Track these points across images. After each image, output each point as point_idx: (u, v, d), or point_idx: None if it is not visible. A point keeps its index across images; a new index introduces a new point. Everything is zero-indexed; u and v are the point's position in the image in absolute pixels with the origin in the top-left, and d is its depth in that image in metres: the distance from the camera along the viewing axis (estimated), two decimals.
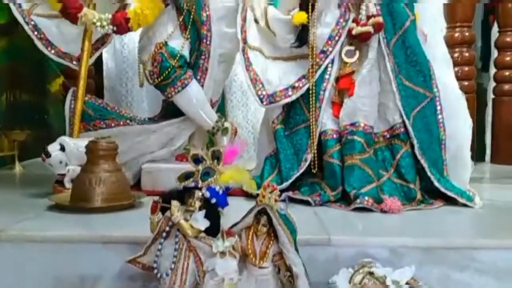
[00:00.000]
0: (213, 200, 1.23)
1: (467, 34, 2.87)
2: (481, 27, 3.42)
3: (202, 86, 1.98)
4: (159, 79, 1.91)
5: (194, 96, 1.96)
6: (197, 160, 1.31)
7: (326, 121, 1.89)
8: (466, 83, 2.83)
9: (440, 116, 1.88)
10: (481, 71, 3.46)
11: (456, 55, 2.79)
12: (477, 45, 3.38)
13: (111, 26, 1.86)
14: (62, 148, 1.81)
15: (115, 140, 1.72)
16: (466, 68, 2.88)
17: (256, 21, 2.02)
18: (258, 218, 1.21)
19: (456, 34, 2.86)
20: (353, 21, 1.88)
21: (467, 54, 2.87)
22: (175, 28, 1.95)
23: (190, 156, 1.29)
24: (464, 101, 1.90)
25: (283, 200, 1.15)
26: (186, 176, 1.29)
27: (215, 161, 1.30)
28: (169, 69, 1.90)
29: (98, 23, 1.86)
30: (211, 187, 1.24)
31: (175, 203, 1.20)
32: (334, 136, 1.85)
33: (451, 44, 2.85)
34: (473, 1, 2.87)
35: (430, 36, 1.97)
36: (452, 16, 2.88)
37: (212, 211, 1.22)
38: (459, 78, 2.04)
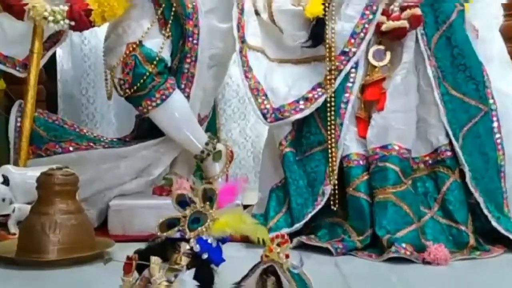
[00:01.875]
0: (205, 256, 1.22)
1: None
2: None
3: (188, 97, 2.01)
4: (132, 90, 1.93)
5: (177, 111, 1.98)
6: (183, 202, 1.30)
7: (349, 143, 1.90)
8: None
9: (497, 136, 1.90)
10: None
11: None
12: None
13: (67, 21, 1.87)
14: (6, 181, 1.81)
15: (74, 169, 1.73)
16: None
17: (257, 13, 2.05)
18: (264, 279, 1.20)
19: None
20: (382, 14, 1.91)
21: None
22: (152, 24, 1.97)
23: (174, 198, 1.29)
24: None
25: (295, 247, 1.13)
26: (170, 223, 1.28)
27: (207, 203, 1.29)
28: (145, 77, 1.92)
29: (51, 18, 1.86)
30: (201, 238, 1.23)
31: (155, 260, 1.19)
32: (361, 162, 1.87)
33: (509, 36, 2.83)
34: None
35: (483, 30, 2.00)
36: None
37: (204, 269, 1.21)
38: None
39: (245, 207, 2.06)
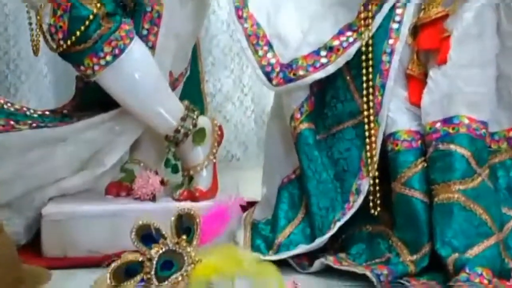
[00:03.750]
0: None
1: None
2: None
3: (152, 48, 1.96)
4: (68, 42, 1.86)
5: (136, 72, 1.92)
6: (147, 237, 1.26)
7: (396, 115, 1.85)
8: None
9: None
10: None
11: None
12: None
13: None
14: None
15: None
16: None
17: None
18: None
19: None
20: None
21: None
22: None
23: (133, 230, 1.25)
24: None
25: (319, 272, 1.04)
26: (128, 270, 1.24)
27: (184, 237, 1.26)
28: (87, 22, 1.85)
29: None
30: None
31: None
32: (413, 144, 1.83)
33: None
34: None
35: None
36: None
37: None
38: None
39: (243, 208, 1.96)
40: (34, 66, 2.59)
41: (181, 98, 2.15)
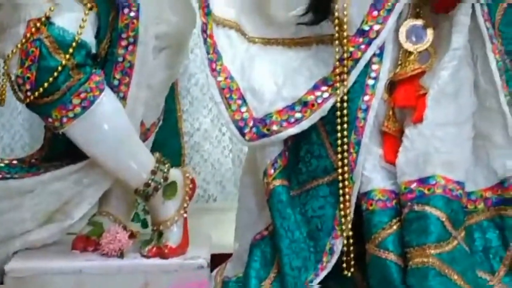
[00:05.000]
0: None
1: None
2: None
3: (123, 99, 1.93)
4: (36, 94, 1.82)
5: (106, 123, 1.88)
6: None
7: (371, 174, 1.83)
8: None
9: None
10: None
11: None
12: None
13: None
14: None
15: None
16: None
17: None
18: None
19: None
20: None
21: None
22: None
23: None
24: None
25: None
26: None
27: None
28: (56, 73, 1.81)
29: None
30: None
31: None
32: (388, 204, 1.81)
33: None
34: None
35: None
36: None
37: None
38: None
39: (215, 258, 1.99)
40: (8, 104, 2.51)
41: (158, 137, 2.13)
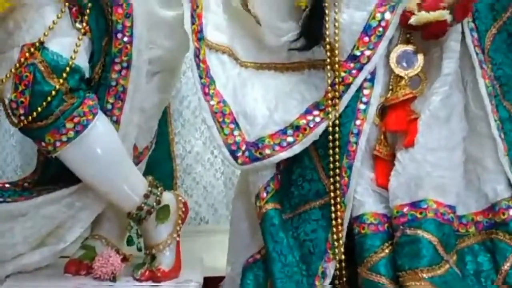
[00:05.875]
0: None
1: None
2: None
3: (116, 123, 1.92)
4: (30, 118, 1.80)
5: (99, 147, 1.87)
6: None
7: (362, 197, 1.84)
8: None
9: None
10: None
11: None
12: None
13: None
14: None
15: None
16: None
17: None
18: None
19: None
20: None
21: None
22: (60, 14, 1.86)
23: None
24: None
25: None
26: None
27: None
28: (50, 98, 1.80)
29: None
30: None
31: None
32: (380, 228, 1.81)
33: None
34: None
35: None
36: None
37: None
38: None
39: (208, 281, 1.99)
40: (0, 126, 2.54)
41: (150, 160, 2.12)
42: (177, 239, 1.94)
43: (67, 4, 1.86)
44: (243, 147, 1.86)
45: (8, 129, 2.43)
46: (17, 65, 1.81)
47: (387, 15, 1.83)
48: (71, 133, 1.82)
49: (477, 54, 1.82)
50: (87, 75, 1.88)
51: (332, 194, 1.84)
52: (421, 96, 1.83)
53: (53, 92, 1.80)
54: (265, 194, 1.89)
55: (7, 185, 2.01)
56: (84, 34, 1.88)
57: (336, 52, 1.84)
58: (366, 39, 1.83)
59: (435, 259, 1.73)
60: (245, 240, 1.96)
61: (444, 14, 1.76)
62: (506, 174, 1.82)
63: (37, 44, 1.82)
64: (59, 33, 1.84)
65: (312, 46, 1.87)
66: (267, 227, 1.86)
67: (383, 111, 1.86)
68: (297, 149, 1.86)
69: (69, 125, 1.82)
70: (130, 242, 2.04)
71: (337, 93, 1.84)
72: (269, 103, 1.90)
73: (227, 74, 1.92)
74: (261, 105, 1.90)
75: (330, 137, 1.84)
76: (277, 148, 1.86)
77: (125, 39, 1.88)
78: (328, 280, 1.82)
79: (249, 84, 1.92)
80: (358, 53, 1.84)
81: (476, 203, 1.86)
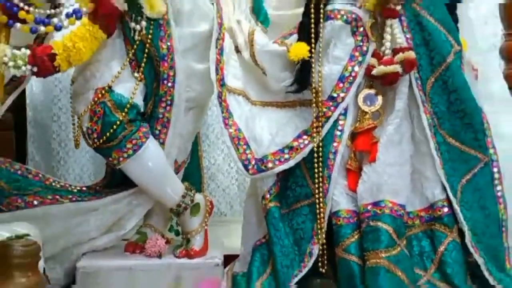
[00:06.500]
0: None
1: None
2: None
3: (163, 144, 1.91)
4: (101, 141, 1.83)
5: (150, 161, 1.87)
6: None
7: (338, 198, 1.84)
8: None
9: (498, 188, 1.84)
10: None
11: None
12: None
13: (29, 67, 1.71)
14: None
15: (38, 224, 1.65)
16: None
17: (238, 50, 1.97)
18: None
19: None
20: (373, 56, 1.84)
21: None
22: (123, 67, 1.87)
23: None
24: None
25: None
26: None
27: None
28: (115, 126, 1.82)
29: (11, 63, 1.70)
30: None
31: None
32: (351, 220, 1.81)
33: (509, 57, 2.69)
34: None
35: (482, 68, 1.95)
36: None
37: None
38: None
39: (227, 259, 1.97)
40: (79, 145, 2.49)
41: (186, 171, 2.09)
42: (205, 227, 1.94)
43: (128, 59, 1.86)
44: (253, 162, 1.86)
45: (85, 148, 2.38)
46: (92, 103, 1.82)
47: (356, 68, 1.83)
48: (130, 152, 1.83)
49: (420, 96, 1.84)
50: (142, 110, 1.89)
51: (316, 196, 1.84)
52: (380, 126, 1.84)
53: (118, 122, 1.81)
54: (268, 195, 1.88)
55: (84, 188, 2.02)
56: (140, 80, 1.88)
57: (320, 94, 1.84)
58: (341, 85, 1.84)
59: (391, 243, 1.74)
60: (254, 229, 1.94)
61: (396, 68, 1.79)
62: (442, 182, 1.82)
63: (107, 88, 1.83)
64: (123, 80, 1.85)
65: (302, 89, 1.87)
66: (270, 219, 1.87)
67: (353, 136, 1.86)
68: (291, 163, 1.86)
69: (129, 145, 1.83)
70: (171, 229, 2.04)
71: (320, 123, 1.84)
72: (272, 130, 1.90)
73: (242, 109, 1.91)
74: (266, 132, 1.90)
75: (315, 154, 1.84)
76: (277, 162, 1.85)
77: (169, 84, 1.88)
78: (314, 258, 1.81)
79: (257, 117, 1.92)
80: (335, 95, 1.84)
81: (420, 203, 1.86)
